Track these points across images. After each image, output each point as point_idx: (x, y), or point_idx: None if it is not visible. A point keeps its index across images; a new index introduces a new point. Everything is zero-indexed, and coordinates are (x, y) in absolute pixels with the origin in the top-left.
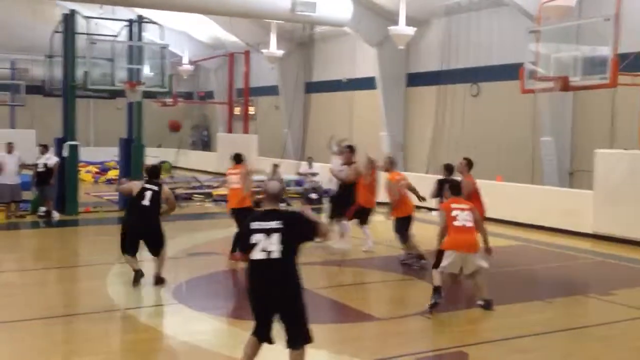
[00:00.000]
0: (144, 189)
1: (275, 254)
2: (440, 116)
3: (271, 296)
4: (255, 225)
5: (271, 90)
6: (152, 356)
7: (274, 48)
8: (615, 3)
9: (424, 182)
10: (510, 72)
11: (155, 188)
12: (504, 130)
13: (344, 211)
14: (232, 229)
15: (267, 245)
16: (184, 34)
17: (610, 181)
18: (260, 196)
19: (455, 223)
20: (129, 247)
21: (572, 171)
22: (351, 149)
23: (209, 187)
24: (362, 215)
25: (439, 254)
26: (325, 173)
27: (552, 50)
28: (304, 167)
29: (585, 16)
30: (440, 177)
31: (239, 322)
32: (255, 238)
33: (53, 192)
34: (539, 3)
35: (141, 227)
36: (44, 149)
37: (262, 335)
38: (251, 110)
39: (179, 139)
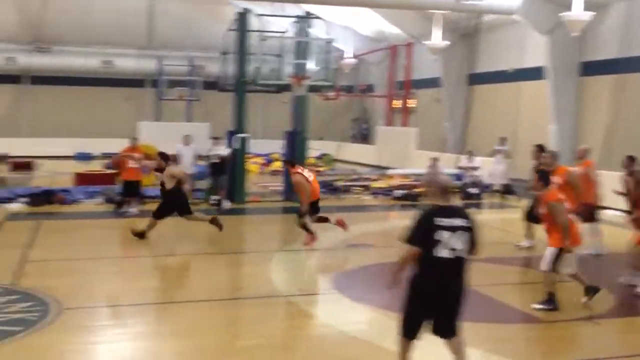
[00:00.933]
0: None
1: (461, 253)
2: (617, 108)
3: (449, 295)
4: (440, 221)
5: (432, 83)
6: (310, 343)
7: (437, 39)
8: None
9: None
10: None
11: None
12: None
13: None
14: (390, 221)
15: (453, 244)
16: (348, 29)
17: None
18: (424, 189)
19: None
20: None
21: None
22: (541, 149)
23: (367, 179)
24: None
25: None
26: (486, 167)
27: None
28: (464, 160)
29: None
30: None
31: (394, 314)
32: (441, 235)
33: (226, 182)
34: None
35: None
36: (217, 141)
37: (415, 334)
38: (411, 103)
39: (340, 132)
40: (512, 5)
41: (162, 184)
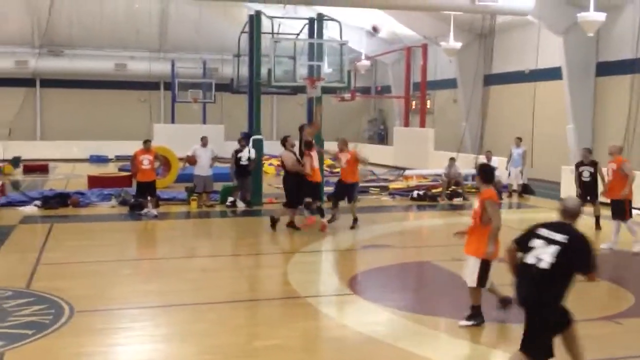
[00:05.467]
0: None
1: (544, 265)
2: (634, 108)
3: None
4: (541, 231)
5: (449, 84)
6: (327, 344)
7: (452, 41)
8: None
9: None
10: None
11: None
12: None
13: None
14: (407, 222)
15: (541, 254)
16: (362, 30)
17: None
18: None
19: None
20: None
21: None
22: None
23: (385, 180)
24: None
25: None
26: (503, 167)
27: None
28: (481, 161)
29: None
30: None
31: (412, 315)
32: (535, 243)
33: (250, 184)
34: None
35: None
36: (244, 141)
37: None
38: (428, 104)
39: (357, 133)
40: (526, 6)
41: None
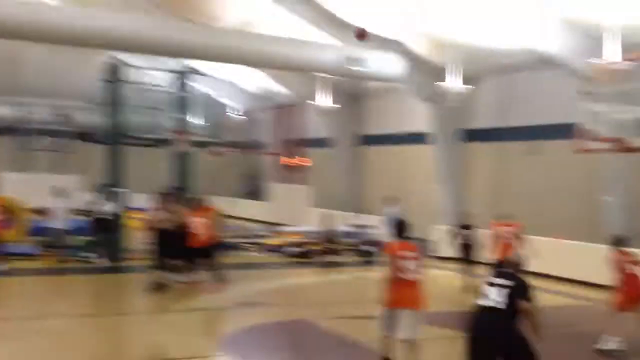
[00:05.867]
0: None
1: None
2: (496, 173)
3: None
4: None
5: (325, 142)
6: None
7: (323, 101)
8: None
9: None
10: (566, 131)
11: None
12: (562, 189)
13: None
14: (283, 279)
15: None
16: (234, 85)
17: None
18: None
19: None
20: None
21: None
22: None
23: (259, 236)
24: None
25: None
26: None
27: (609, 111)
28: (358, 219)
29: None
30: None
31: None
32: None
33: (109, 239)
34: (592, 65)
35: None
36: (104, 193)
37: None
38: (305, 161)
39: (229, 188)
40: (394, 73)
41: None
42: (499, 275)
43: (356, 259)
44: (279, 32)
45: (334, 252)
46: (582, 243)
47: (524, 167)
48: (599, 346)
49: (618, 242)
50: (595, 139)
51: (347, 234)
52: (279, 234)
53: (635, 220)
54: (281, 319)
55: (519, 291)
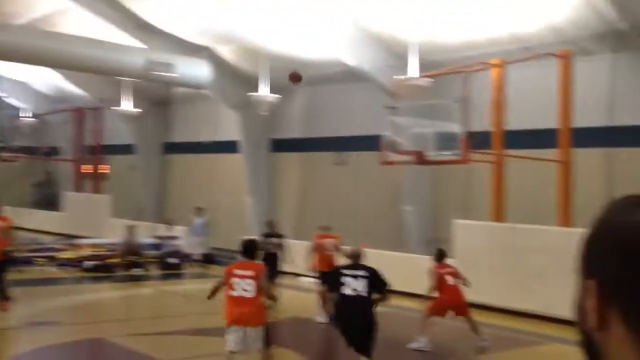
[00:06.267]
0: None
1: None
2: (305, 183)
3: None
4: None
5: (127, 149)
6: None
7: (128, 106)
8: (463, 85)
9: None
10: (372, 143)
11: None
12: (368, 198)
13: None
14: (79, 295)
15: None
16: (25, 85)
17: (468, 250)
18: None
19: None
20: None
21: (433, 239)
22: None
23: (53, 250)
24: None
25: None
26: (185, 236)
27: (410, 125)
28: (162, 230)
29: (436, 95)
30: None
31: None
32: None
33: None
34: (395, 80)
35: None
36: None
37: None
38: (104, 168)
39: (20, 197)
40: (203, 80)
41: None
42: (356, 268)
43: (160, 272)
44: (82, 33)
45: (136, 265)
46: (388, 252)
47: (332, 178)
48: (411, 346)
49: (439, 255)
50: (398, 151)
51: (151, 246)
52: (76, 246)
53: (432, 229)
54: (76, 338)
55: (376, 279)
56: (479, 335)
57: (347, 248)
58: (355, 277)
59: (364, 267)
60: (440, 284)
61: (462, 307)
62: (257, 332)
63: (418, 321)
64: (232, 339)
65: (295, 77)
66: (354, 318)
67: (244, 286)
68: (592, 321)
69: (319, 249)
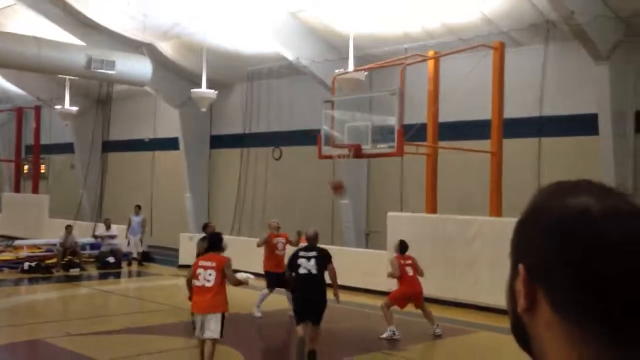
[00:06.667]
0: None
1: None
2: (244, 178)
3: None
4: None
5: (66, 148)
6: None
7: (67, 104)
8: (399, 79)
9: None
10: (310, 137)
11: None
12: (305, 193)
13: None
14: (17, 297)
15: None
16: None
17: None
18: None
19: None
20: None
21: (368, 232)
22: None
23: None
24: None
25: None
26: (123, 235)
27: (347, 119)
28: (100, 229)
29: (374, 89)
30: None
31: None
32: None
33: None
34: (333, 75)
35: None
36: None
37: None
38: (42, 168)
39: None
40: (143, 77)
41: None
42: (309, 249)
43: (98, 271)
44: (23, 31)
45: (75, 264)
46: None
47: (271, 172)
48: (382, 336)
49: (401, 247)
50: (335, 145)
51: (90, 245)
52: (12, 247)
53: (368, 222)
54: (14, 340)
55: (324, 258)
56: (434, 324)
57: (308, 231)
58: (308, 258)
59: (316, 249)
60: (401, 275)
61: (419, 298)
62: (216, 319)
63: (382, 313)
64: (197, 327)
65: (338, 188)
66: (307, 294)
67: (206, 276)
68: (521, 304)
69: (270, 248)
